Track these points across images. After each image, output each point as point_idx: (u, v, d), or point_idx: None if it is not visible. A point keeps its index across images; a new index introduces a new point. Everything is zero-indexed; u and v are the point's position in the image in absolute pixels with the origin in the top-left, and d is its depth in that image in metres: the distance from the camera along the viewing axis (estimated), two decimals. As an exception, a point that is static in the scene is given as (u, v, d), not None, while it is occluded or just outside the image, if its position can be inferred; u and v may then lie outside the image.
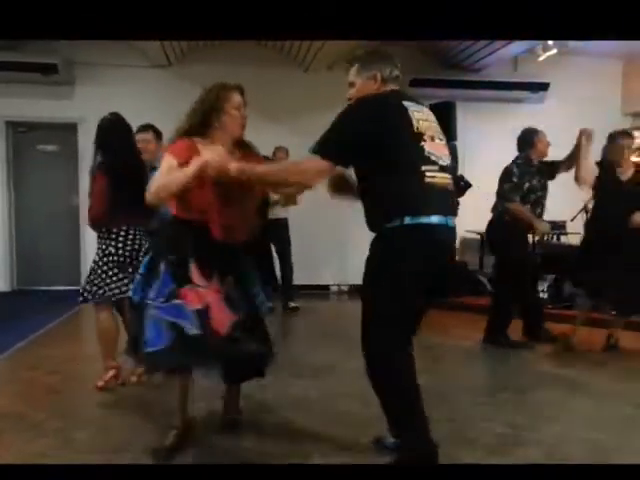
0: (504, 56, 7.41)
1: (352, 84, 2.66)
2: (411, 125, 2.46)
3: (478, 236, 7.65)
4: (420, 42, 7.47)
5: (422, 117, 2.53)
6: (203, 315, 2.54)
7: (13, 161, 7.68)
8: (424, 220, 2.42)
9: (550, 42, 6.58)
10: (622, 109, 8.30)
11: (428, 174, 2.44)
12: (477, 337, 5.10)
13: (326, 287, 7.67)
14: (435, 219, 2.43)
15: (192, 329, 2.52)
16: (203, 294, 2.57)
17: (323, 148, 2.44)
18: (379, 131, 2.43)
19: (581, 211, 6.23)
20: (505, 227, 4.99)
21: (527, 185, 4.90)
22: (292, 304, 6.48)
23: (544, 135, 5.04)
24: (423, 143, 2.47)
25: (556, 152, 5.05)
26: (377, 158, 2.44)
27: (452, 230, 2.54)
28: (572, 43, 6.44)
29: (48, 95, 7.34)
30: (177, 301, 2.55)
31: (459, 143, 7.33)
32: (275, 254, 6.51)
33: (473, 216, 7.52)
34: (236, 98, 2.74)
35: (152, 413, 3.25)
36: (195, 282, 2.58)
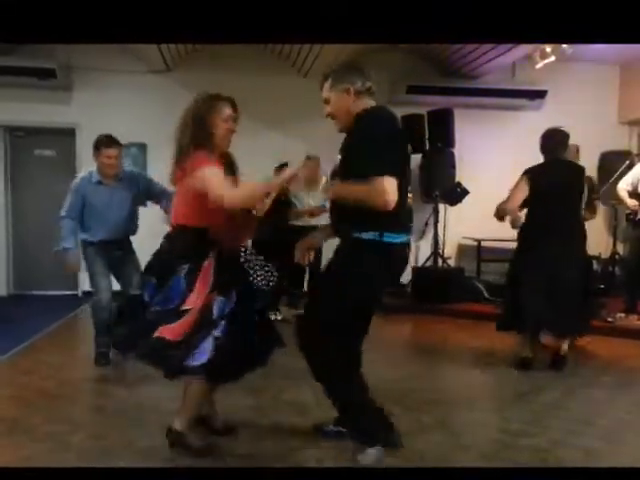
0: (502, 63, 7.42)
1: (327, 100, 2.70)
2: (407, 144, 2.61)
3: (475, 243, 7.65)
4: (418, 49, 7.49)
5: None
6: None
7: (10, 166, 7.65)
8: (402, 239, 2.56)
9: (548, 49, 6.59)
10: (619, 117, 8.34)
11: (409, 193, 2.61)
12: (474, 343, 5.08)
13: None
14: (404, 238, 2.59)
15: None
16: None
17: (381, 168, 2.41)
18: (395, 145, 2.51)
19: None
20: None
21: None
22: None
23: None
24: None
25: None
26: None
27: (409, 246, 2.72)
28: (570, 51, 6.45)
29: (46, 100, 7.32)
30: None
31: (456, 150, 7.37)
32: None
33: (470, 223, 7.55)
34: (226, 110, 2.68)
35: (146, 418, 3.23)
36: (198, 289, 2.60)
